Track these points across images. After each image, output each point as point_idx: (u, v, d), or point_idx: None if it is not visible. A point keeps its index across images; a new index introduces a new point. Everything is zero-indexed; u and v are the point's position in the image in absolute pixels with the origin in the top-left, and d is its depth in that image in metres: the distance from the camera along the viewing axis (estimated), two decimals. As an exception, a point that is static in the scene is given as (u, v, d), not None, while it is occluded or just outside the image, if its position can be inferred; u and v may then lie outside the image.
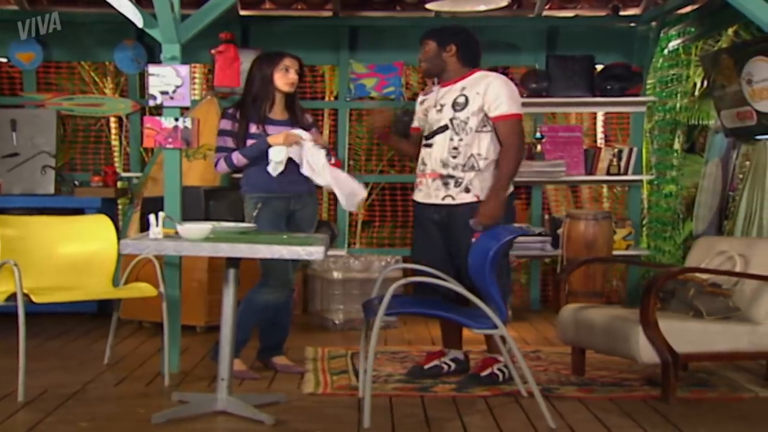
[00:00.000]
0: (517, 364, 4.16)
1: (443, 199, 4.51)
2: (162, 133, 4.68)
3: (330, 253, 6.27)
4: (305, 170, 4.51)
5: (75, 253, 4.73)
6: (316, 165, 4.49)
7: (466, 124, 4.46)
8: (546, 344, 5.63)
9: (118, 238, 4.67)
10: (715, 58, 6.40)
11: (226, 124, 4.63)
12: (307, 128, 4.64)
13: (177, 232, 3.72)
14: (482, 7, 6.54)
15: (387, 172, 8.63)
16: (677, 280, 4.48)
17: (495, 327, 3.83)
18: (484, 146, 4.47)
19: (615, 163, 7.02)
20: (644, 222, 7.52)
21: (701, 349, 4.23)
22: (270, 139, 4.52)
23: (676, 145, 7.42)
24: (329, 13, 7.14)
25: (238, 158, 4.56)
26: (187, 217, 4.83)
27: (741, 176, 6.44)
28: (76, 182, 6.68)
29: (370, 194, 8.56)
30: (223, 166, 4.61)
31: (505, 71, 7.20)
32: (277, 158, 4.49)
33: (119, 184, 6.70)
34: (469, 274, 4.15)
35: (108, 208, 6.47)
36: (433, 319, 5.54)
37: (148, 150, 7.46)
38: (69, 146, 7.63)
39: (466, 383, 4.46)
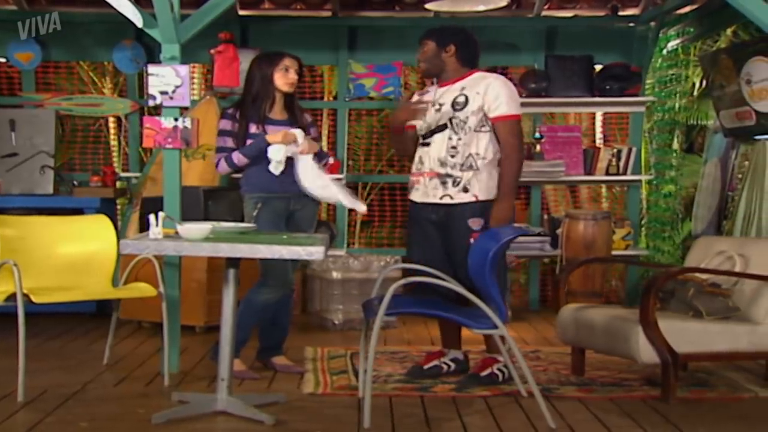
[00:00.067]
0: (516, 364, 4.17)
1: (441, 198, 4.50)
2: (161, 133, 4.67)
3: (329, 253, 6.27)
4: (303, 185, 4.52)
5: (74, 253, 4.73)
6: (311, 183, 4.51)
7: (465, 123, 4.46)
8: (546, 344, 5.63)
9: (118, 238, 4.67)
10: (714, 58, 6.41)
11: (226, 125, 4.63)
12: (306, 128, 4.65)
13: (177, 232, 3.72)
14: (481, 7, 6.54)
15: (386, 172, 8.64)
16: (677, 280, 4.48)
17: (495, 327, 3.82)
18: (483, 146, 4.47)
19: (614, 163, 7.01)
20: (643, 222, 7.52)
21: (701, 349, 4.23)
22: (269, 137, 4.52)
23: (675, 145, 7.41)
24: (328, 13, 7.14)
25: (238, 158, 4.56)
26: (186, 217, 4.82)
27: (740, 176, 6.44)
28: (75, 182, 6.67)
29: (369, 194, 8.57)
30: (224, 166, 4.60)
31: (504, 71, 7.21)
32: (276, 157, 4.49)
33: (118, 184, 6.69)
34: (468, 274, 4.15)
35: (107, 208, 6.46)
36: (432, 319, 5.54)
37: (146, 150, 7.46)
38: (68, 146, 7.63)
39: (465, 383, 4.46)
